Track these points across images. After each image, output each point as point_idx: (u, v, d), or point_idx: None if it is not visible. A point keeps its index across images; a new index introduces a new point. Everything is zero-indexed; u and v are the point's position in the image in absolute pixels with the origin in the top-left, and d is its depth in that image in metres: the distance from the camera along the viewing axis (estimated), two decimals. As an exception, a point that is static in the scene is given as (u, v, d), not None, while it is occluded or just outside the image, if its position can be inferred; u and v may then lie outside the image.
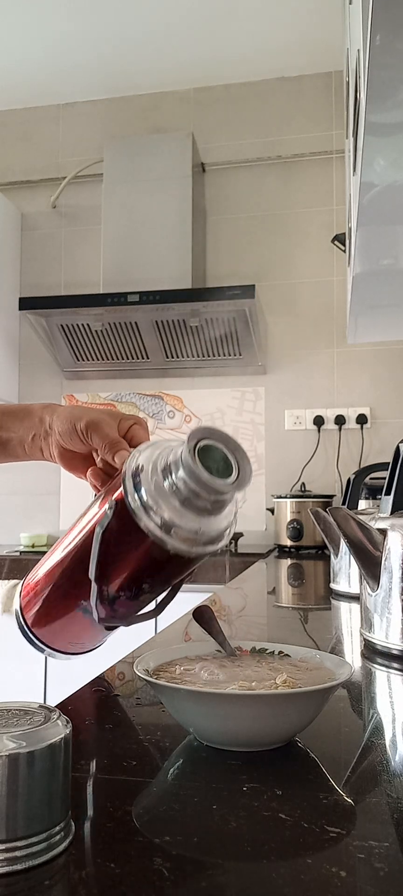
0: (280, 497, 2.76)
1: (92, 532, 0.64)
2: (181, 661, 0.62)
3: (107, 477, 0.70)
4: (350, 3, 1.56)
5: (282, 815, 0.42)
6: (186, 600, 1.00)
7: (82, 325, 2.86)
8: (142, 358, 3.02)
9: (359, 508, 1.76)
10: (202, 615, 0.70)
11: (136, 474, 0.60)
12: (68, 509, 3.10)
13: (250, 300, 2.61)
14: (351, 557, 0.98)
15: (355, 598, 1.28)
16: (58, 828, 0.37)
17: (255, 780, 0.48)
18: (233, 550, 2.65)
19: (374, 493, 2.26)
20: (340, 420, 2.96)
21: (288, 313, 3.07)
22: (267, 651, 0.67)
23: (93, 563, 0.62)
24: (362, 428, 2.95)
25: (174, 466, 0.57)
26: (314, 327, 3.04)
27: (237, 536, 2.76)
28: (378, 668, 0.83)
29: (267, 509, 2.91)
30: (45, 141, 3.36)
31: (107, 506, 0.62)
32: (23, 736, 0.37)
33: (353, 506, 1.59)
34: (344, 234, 2.34)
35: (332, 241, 2.75)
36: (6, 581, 2.45)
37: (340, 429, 2.97)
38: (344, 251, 2.41)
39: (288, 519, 2.68)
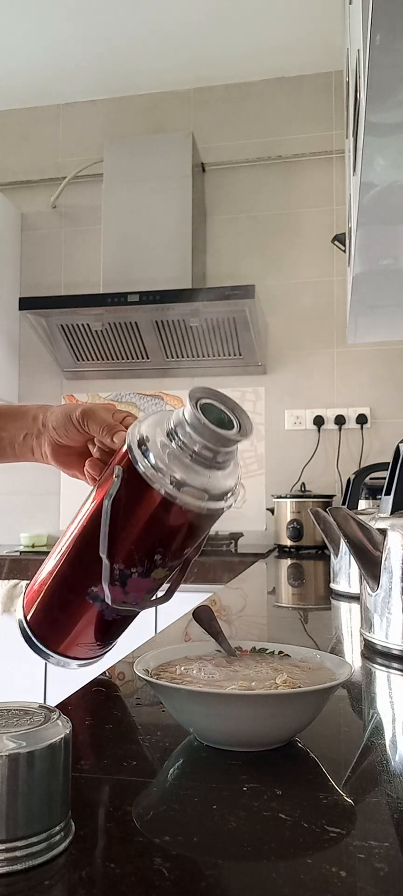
0: (280, 497, 2.76)
1: (94, 513, 0.64)
2: (181, 661, 0.62)
3: (106, 466, 0.70)
4: (350, 3, 1.56)
5: (282, 815, 0.42)
6: (186, 600, 1.00)
7: (82, 325, 2.86)
8: (142, 358, 3.02)
9: (359, 508, 1.76)
10: (202, 615, 0.70)
11: (142, 442, 0.61)
12: (68, 509, 3.11)
13: (250, 300, 2.61)
14: (351, 557, 0.98)
15: (355, 598, 1.28)
16: (58, 828, 0.37)
17: (255, 780, 0.48)
18: (233, 550, 2.65)
19: (374, 493, 2.26)
20: (340, 420, 2.96)
21: (288, 313, 3.07)
22: (267, 651, 0.67)
23: (103, 539, 0.62)
24: (362, 428, 2.95)
25: (179, 427, 0.60)
26: (314, 327, 3.04)
27: (237, 536, 2.76)
28: (378, 668, 0.83)
29: (267, 509, 2.91)
30: (45, 141, 3.36)
31: (114, 474, 0.63)
32: (23, 736, 0.37)
33: (353, 506, 1.59)
34: (344, 234, 2.35)
35: (332, 241, 2.75)
36: (6, 581, 2.45)
37: (340, 429, 2.97)
38: (344, 251, 2.41)
39: (288, 519, 2.68)
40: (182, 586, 0.69)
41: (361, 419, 2.94)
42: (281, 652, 0.67)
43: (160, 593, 0.68)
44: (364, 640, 0.92)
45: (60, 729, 0.39)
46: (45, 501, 3.15)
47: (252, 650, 0.68)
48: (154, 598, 0.67)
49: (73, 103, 3.35)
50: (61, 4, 2.74)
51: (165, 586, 0.69)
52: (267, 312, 3.06)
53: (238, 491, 0.64)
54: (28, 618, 0.70)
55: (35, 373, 3.25)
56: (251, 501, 3.01)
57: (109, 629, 0.68)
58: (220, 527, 2.89)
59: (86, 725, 0.62)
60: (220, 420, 0.61)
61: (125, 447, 0.64)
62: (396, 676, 0.80)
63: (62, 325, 2.88)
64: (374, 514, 0.95)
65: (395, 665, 0.83)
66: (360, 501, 2.02)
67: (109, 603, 0.63)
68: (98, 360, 3.06)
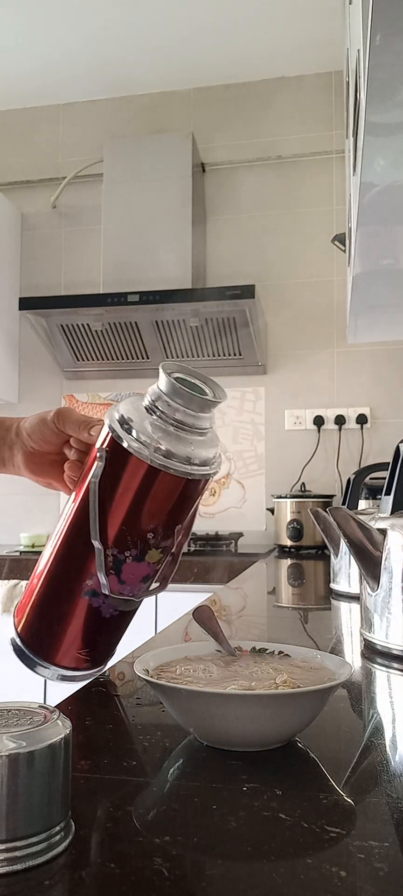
0: (280, 497, 2.76)
1: (81, 504, 0.65)
2: (181, 661, 0.62)
3: (84, 464, 0.71)
4: (350, 3, 1.56)
5: (282, 815, 0.42)
6: (186, 600, 1.00)
7: (82, 325, 2.86)
8: (142, 358, 3.02)
9: (359, 508, 1.76)
10: (202, 615, 0.70)
11: (123, 421, 0.64)
12: (68, 509, 3.10)
13: (250, 300, 2.61)
14: (351, 557, 0.98)
15: (355, 598, 1.28)
16: (58, 828, 0.37)
17: (255, 780, 0.48)
18: (233, 550, 2.65)
19: (374, 493, 2.26)
20: (340, 420, 2.96)
21: (288, 313, 3.07)
22: (267, 651, 0.67)
23: (93, 523, 0.63)
24: (362, 428, 2.95)
25: (157, 400, 0.63)
26: (314, 327, 3.04)
27: (237, 536, 2.76)
28: (378, 668, 0.83)
29: (267, 509, 2.91)
30: (45, 141, 3.36)
31: (97, 457, 0.64)
32: (23, 736, 0.37)
33: (353, 506, 1.59)
34: (344, 234, 2.34)
35: (332, 241, 2.75)
36: (6, 581, 2.45)
37: (340, 429, 2.97)
38: (344, 251, 2.41)
39: (288, 519, 2.68)
40: (182, 586, 0.70)
41: (361, 419, 2.94)
42: (281, 652, 0.67)
43: (155, 584, 0.68)
44: (365, 640, 0.92)
45: (60, 729, 0.39)
46: (45, 501, 3.15)
47: (252, 650, 0.68)
48: (150, 587, 0.68)
49: (73, 103, 3.35)
50: (61, 5, 2.74)
51: (160, 575, 0.69)
52: (267, 312, 3.06)
53: (220, 459, 0.66)
54: (19, 629, 0.68)
55: (35, 373, 3.25)
56: (251, 501, 3.01)
57: (108, 630, 0.68)
58: (220, 527, 2.90)
59: (86, 725, 0.62)
60: (195, 388, 0.63)
61: (105, 431, 0.65)
62: (396, 676, 0.80)
63: (62, 325, 2.88)
64: (374, 514, 0.95)
65: (395, 665, 0.83)
66: (360, 501, 2.02)
67: (106, 593, 0.64)
68: (98, 360, 3.06)
